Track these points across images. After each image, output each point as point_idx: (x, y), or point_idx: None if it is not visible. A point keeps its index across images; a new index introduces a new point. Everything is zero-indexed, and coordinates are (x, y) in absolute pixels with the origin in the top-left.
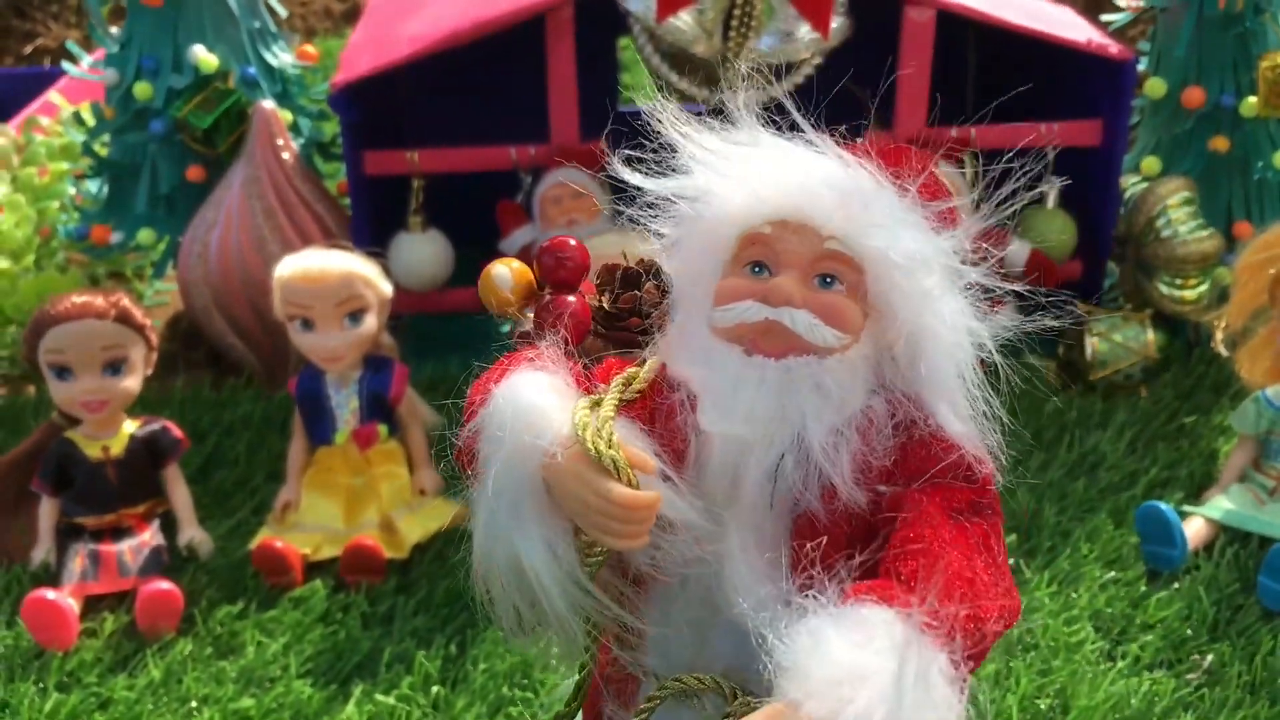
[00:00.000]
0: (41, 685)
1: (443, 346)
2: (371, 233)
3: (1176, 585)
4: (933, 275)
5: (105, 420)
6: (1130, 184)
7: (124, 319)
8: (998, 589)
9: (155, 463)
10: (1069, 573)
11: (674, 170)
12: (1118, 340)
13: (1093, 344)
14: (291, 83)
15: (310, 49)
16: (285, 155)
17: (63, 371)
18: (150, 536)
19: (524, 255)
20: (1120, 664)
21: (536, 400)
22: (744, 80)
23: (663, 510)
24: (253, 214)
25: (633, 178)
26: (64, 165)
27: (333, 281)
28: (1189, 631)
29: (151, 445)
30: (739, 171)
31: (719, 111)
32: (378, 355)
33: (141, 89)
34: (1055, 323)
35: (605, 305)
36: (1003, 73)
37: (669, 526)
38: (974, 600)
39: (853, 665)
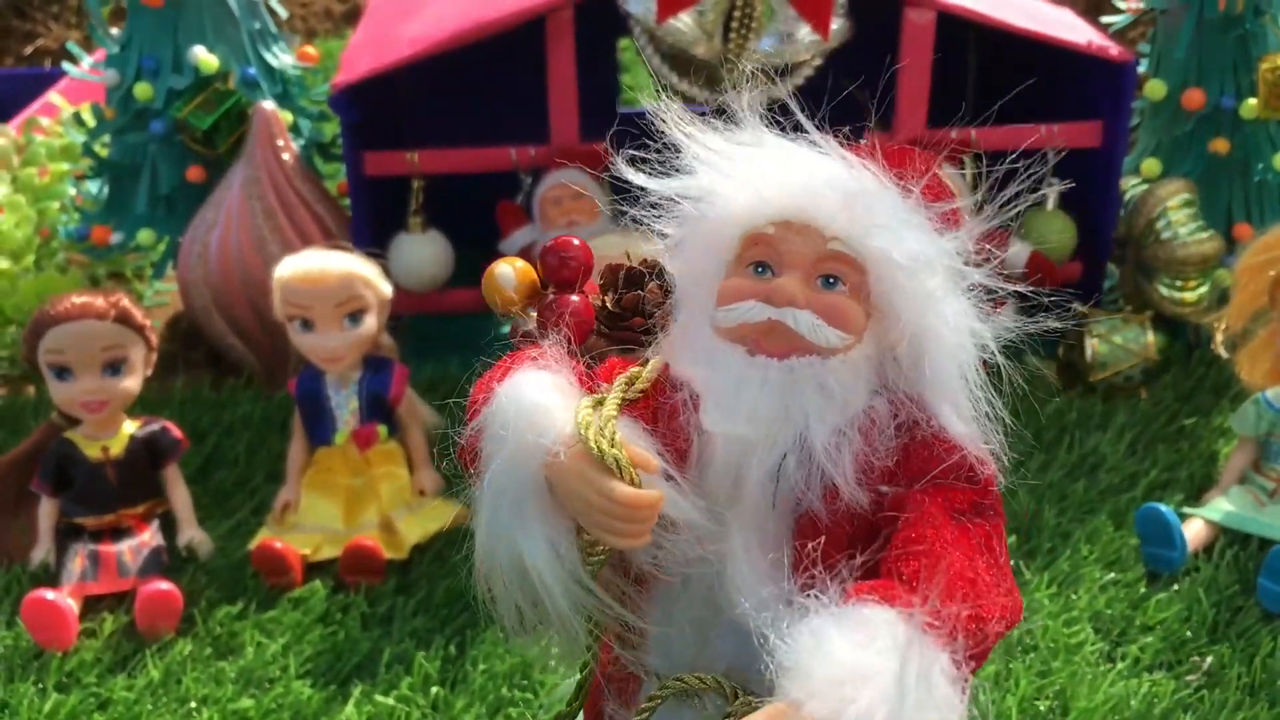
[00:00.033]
0: (41, 685)
1: (442, 347)
2: (371, 233)
3: (1176, 587)
4: (935, 276)
5: (105, 421)
6: (1130, 186)
7: (124, 319)
8: (999, 589)
9: (155, 463)
10: (1069, 574)
11: (677, 170)
12: (1118, 342)
13: (1093, 345)
14: (292, 83)
15: (310, 50)
16: (285, 156)
17: (62, 372)
18: (150, 537)
19: (524, 256)
20: (1120, 665)
21: (539, 399)
22: (745, 81)
23: (665, 509)
24: (253, 214)
25: (636, 178)
26: (64, 166)
27: (333, 282)
28: (1189, 633)
29: (151, 445)
30: (742, 172)
31: (721, 112)
32: (377, 356)
33: (142, 90)
34: (1055, 324)
35: (608, 305)
36: (1003, 74)
37: (671, 526)
38: (976, 600)
39: (855, 665)
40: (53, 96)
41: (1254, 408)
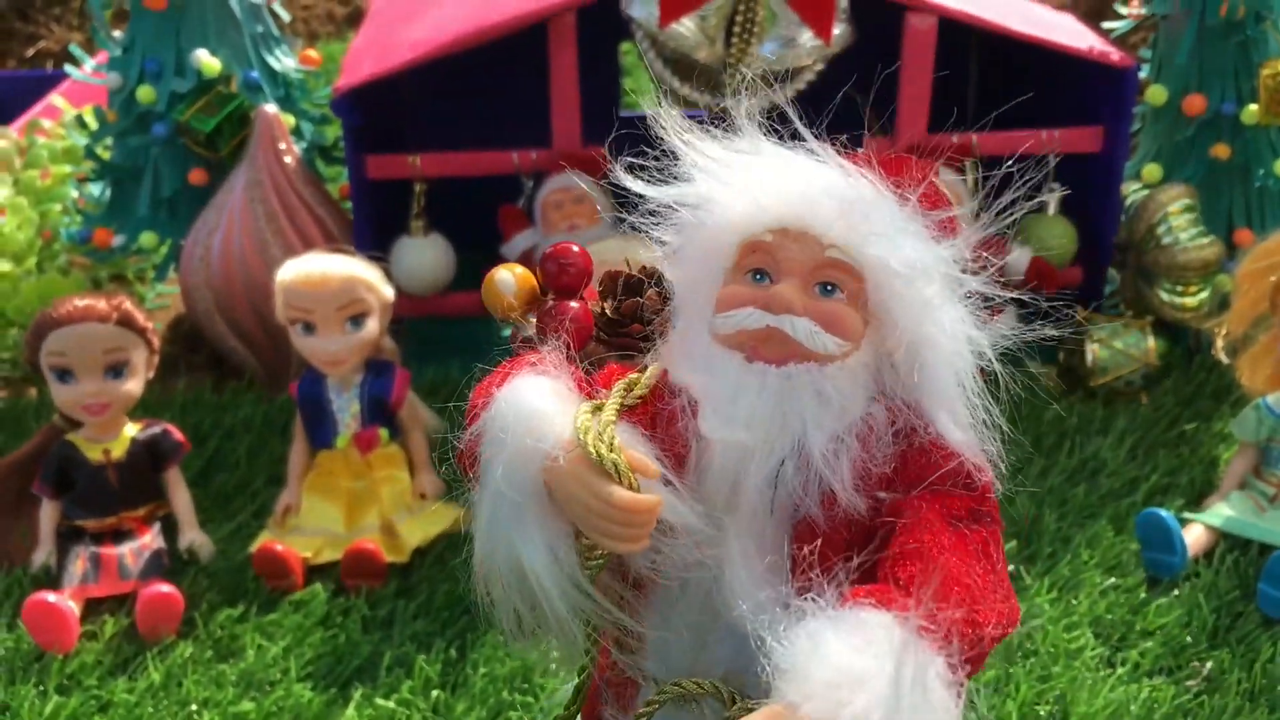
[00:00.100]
0: (42, 688)
1: (444, 350)
2: (373, 237)
3: (1176, 592)
4: (933, 284)
5: (106, 423)
6: (1131, 191)
7: (126, 322)
8: (996, 595)
9: (156, 466)
10: (1069, 579)
11: (676, 177)
12: (1118, 347)
13: (1093, 351)
14: (294, 87)
15: (313, 53)
16: (287, 159)
17: (64, 374)
18: (151, 539)
19: (525, 260)
20: (1120, 670)
21: (538, 404)
22: (747, 86)
23: (663, 514)
24: (255, 217)
25: (635, 185)
26: (66, 168)
27: (334, 285)
28: (1189, 638)
29: (152, 448)
30: (740, 179)
31: (721, 118)
32: (379, 359)
33: (144, 92)
34: (1055, 330)
35: (607, 311)
36: (1004, 79)
37: (669, 530)
38: (972, 605)
39: (851, 668)
40: (55, 99)
41: (1255, 413)
